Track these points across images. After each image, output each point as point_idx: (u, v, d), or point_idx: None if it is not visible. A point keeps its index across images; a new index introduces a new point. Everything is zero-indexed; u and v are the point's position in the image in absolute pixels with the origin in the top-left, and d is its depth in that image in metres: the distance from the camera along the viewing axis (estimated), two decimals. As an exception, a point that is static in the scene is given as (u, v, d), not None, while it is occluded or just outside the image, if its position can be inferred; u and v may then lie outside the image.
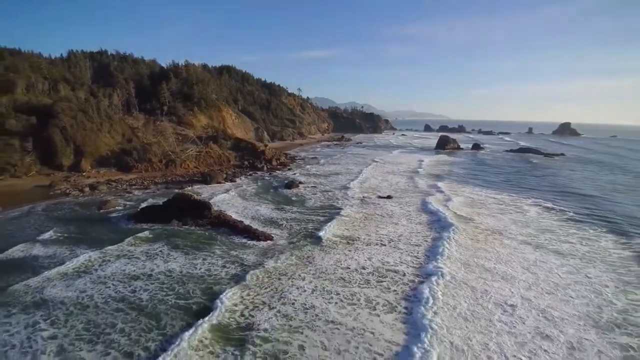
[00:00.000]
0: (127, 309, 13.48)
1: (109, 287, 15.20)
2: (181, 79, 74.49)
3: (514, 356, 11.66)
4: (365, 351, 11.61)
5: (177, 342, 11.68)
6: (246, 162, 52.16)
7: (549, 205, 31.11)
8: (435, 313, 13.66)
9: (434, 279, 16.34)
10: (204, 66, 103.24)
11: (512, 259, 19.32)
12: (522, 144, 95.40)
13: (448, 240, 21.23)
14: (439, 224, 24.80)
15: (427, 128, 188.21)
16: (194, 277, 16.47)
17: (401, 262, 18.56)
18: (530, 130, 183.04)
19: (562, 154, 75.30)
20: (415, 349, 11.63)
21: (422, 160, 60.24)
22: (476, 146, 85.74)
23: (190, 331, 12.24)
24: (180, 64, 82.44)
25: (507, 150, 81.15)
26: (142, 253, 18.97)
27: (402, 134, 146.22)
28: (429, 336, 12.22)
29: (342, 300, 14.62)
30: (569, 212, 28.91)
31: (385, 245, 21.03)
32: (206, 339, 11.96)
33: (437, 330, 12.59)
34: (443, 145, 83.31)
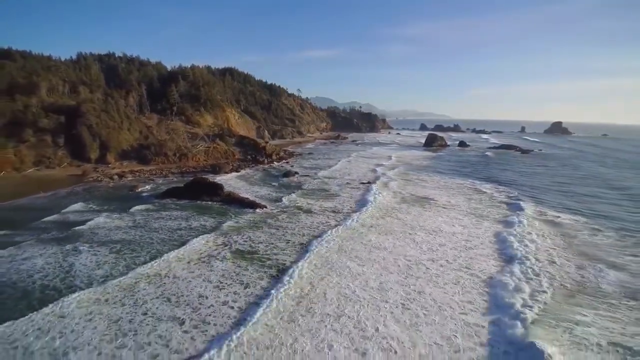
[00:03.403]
0: (180, 246, 20.22)
1: (160, 234, 21.96)
2: (188, 82, 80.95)
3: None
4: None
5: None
6: (249, 157, 58.65)
7: (483, 185, 40.24)
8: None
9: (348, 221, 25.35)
10: (208, 68, 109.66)
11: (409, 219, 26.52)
12: (500, 141, 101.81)
13: (370, 203, 30.66)
14: (371, 195, 33.06)
15: (423, 127, 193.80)
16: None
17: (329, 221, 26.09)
18: (522, 129, 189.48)
19: (541, 150, 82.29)
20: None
21: (391, 156, 67.23)
22: (462, 144, 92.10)
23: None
24: (186, 66, 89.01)
25: (489, 147, 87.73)
26: (176, 217, 25.62)
27: (397, 133, 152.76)
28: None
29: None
30: (505, 194, 36.19)
31: (332, 207, 29.72)
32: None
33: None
34: (431, 143, 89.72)
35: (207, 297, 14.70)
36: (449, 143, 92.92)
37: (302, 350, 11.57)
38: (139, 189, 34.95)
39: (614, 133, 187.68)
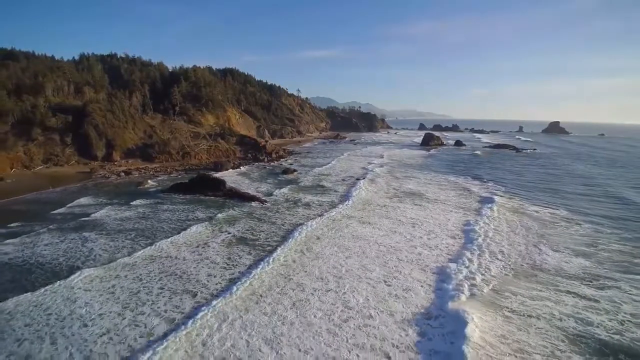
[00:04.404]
0: (189, 234, 22.19)
1: (169, 223, 24.09)
2: (190, 82, 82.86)
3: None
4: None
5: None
6: (250, 155, 60.61)
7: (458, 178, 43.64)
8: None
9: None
10: (209, 68, 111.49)
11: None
12: (496, 141, 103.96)
13: (362, 197, 33.53)
14: (363, 190, 35.84)
15: (422, 127, 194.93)
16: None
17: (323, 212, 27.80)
18: (520, 129, 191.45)
19: (535, 150, 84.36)
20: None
21: (387, 154, 69.30)
22: (458, 143, 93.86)
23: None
24: (188, 67, 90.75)
25: (485, 147, 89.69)
26: (183, 210, 27.66)
27: (395, 132, 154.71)
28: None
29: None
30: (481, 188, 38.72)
31: (326, 201, 31.04)
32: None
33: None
34: (427, 142, 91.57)
35: (215, 276, 16.68)
36: (445, 142, 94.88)
37: (298, 315, 13.60)
38: (145, 185, 36.89)
39: (612, 133, 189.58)
